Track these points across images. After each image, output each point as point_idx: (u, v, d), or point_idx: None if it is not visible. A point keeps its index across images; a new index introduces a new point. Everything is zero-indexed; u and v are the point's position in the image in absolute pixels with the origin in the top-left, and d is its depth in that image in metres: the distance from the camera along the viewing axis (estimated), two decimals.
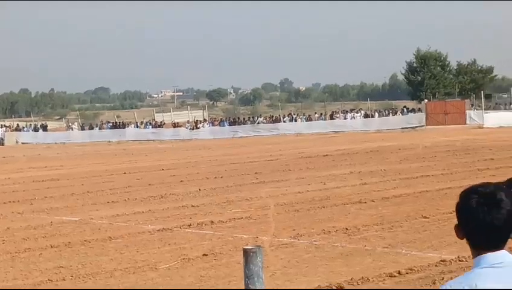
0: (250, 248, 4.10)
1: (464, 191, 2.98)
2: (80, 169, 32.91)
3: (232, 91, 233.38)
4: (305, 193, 20.02)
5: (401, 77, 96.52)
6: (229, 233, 14.35)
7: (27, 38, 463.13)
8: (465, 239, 2.96)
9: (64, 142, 65.39)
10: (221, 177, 25.46)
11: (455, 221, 3.01)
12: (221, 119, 76.39)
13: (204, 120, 72.50)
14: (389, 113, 68.50)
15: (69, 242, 14.05)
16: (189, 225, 15.46)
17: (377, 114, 68.96)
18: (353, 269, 10.97)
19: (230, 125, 68.03)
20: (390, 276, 10.40)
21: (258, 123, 67.78)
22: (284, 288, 10.16)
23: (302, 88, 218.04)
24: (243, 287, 4.17)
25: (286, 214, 16.55)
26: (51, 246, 13.70)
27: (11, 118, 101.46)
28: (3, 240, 14.65)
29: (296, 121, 67.04)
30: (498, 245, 2.90)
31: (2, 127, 73.43)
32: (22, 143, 67.21)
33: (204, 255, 12.35)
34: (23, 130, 75.18)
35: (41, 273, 11.59)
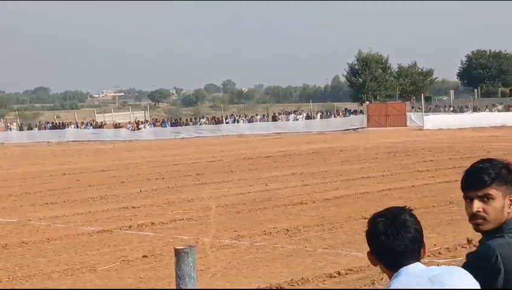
0: (182, 248, 4.09)
1: (371, 217, 3.15)
2: (18, 170, 32.44)
3: (174, 92, 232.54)
4: (246, 194, 20.05)
5: (343, 79, 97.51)
6: (170, 234, 14.29)
7: None
8: (379, 266, 3.12)
9: (2, 143, 64.33)
10: (163, 178, 25.35)
11: None
12: (163, 120, 75.99)
13: (146, 121, 72.06)
14: (330, 115, 69.01)
15: (6, 244, 13.84)
16: (130, 227, 15.35)
17: (319, 116, 69.40)
18: (293, 269, 11.02)
19: (172, 126, 67.75)
20: (330, 277, 10.47)
21: (201, 124, 67.67)
22: (218, 289, 10.16)
23: (245, 89, 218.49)
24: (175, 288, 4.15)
25: (227, 215, 16.55)
26: None
27: None
28: None
29: (238, 122, 67.10)
30: (412, 261, 3.04)
31: None
32: None
33: (144, 256, 12.28)
34: None
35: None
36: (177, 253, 4.08)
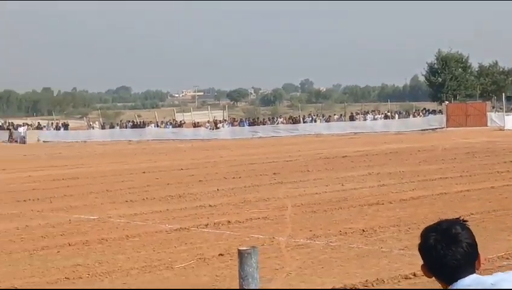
0: (245, 249, 4.10)
1: (423, 231, 3.11)
2: (99, 168, 33.05)
3: (252, 91, 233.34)
4: (322, 193, 20.00)
5: (422, 79, 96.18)
6: (246, 233, 14.36)
7: (50, 38, 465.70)
8: (433, 278, 3.07)
9: (85, 141, 65.66)
10: (240, 177, 25.48)
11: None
12: (240, 119, 76.38)
13: (224, 120, 72.57)
14: (409, 115, 68.24)
15: (87, 240, 14.12)
16: (206, 225, 15.48)
17: (397, 115, 68.70)
18: (368, 270, 10.94)
19: (250, 125, 68.04)
20: (405, 278, 10.37)
21: (278, 124, 67.75)
22: (293, 288, 10.15)
23: (323, 89, 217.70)
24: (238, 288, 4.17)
25: (303, 214, 16.54)
26: (69, 244, 13.77)
27: (33, 116, 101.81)
28: (22, 238, 14.75)
29: (315, 121, 66.93)
30: (466, 274, 2.99)
31: (24, 126, 73.84)
32: (44, 141, 67.56)
33: (220, 254, 12.36)
34: (45, 129, 75.61)
35: (58, 271, 11.65)
36: (240, 254, 4.10)
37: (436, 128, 58.96)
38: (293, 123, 67.10)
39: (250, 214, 16.85)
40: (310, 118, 68.78)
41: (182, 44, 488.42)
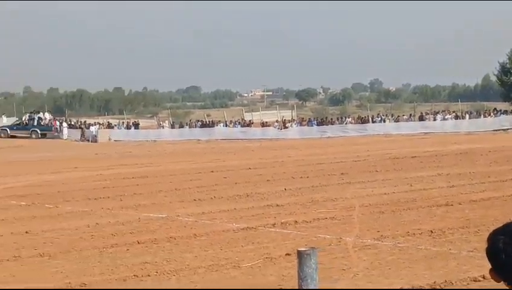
0: (304, 249, 4.08)
1: (490, 234, 3.00)
2: (169, 167, 33.37)
3: (321, 91, 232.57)
4: (391, 194, 19.82)
5: (493, 78, 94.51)
6: (313, 233, 14.33)
7: (121, 39, 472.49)
8: (502, 282, 2.98)
9: (155, 140, 66.35)
10: (307, 177, 25.43)
11: None
12: (309, 119, 76.14)
13: (293, 120, 72.49)
14: (480, 115, 67.10)
15: (155, 238, 14.27)
16: (273, 224, 15.49)
17: (467, 116, 67.63)
18: (437, 272, 10.80)
19: (318, 125, 67.81)
20: (474, 280, 10.20)
21: (346, 123, 67.38)
22: (360, 289, 10.08)
23: (392, 88, 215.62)
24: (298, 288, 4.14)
25: (371, 215, 16.42)
26: (138, 242, 13.94)
27: (105, 115, 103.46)
28: (92, 235, 14.98)
29: (384, 121, 66.36)
30: None
31: (95, 125, 75.02)
32: (115, 140, 68.48)
33: (287, 254, 12.35)
34: (116, 128, 76.65)
35: (127, 269, 11.80)
36: (300, 255, 4.08)
37: (507, 129, 57.84)
38: (362, 123, 66.66)
39: (318, 214, 16.81)
40: (379, 118, 68.21)
41: (251, 44, 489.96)
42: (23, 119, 75.64)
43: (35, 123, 73.66)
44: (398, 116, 70.16)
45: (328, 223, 15.57)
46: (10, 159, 43.26)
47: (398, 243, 13.06)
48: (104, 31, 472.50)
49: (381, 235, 13.75)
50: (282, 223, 15.64)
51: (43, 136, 72.24)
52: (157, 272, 11.52)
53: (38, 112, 78.76)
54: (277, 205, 18.41)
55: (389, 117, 68.65)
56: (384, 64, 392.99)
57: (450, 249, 12.34)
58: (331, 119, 74.10)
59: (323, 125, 67.62)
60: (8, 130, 73.00)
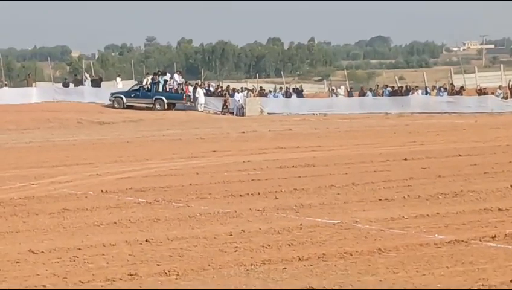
0: None
1: None
2: (343, 152, 33.42)
3: None
4: None
5: None
6: None
7: None
8: None
9: (325, 114, 66.63)
10: None
11: None
12: None
13: None
14: None
15: (324, 254, 14.29)
16: (493, 237, 15.22)
17: None
18: None
19: None
20: None
21: None
22: None
23: None
24: None
25: None
26: (299, 259, 14.00)
27: (256, 78, 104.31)
28: (236, 247, 15.15)
29: None
30: None
31: (243, 91, 75.35)
32: (268, 113, 69.16)
33: None
34: (271, 96, 77.20)
35: None
36: None
37: None
38: None
39: None
40: None
41: None
42: (144, 83, 76.58)
43: (161, 89, 74.62)
44: None
45: None
46: (126, 139, 44.46)
47: None
48: None
49: None
50: (506, 235, 15.35)
51: (171, 106, 73.37)
52: None
53: (165, 73, 79.88)
54: (499, 209, 18.10)
55: None
56: None
57: None
58: None
59: None
60: (123, 97, 74.20)
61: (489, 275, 12.62)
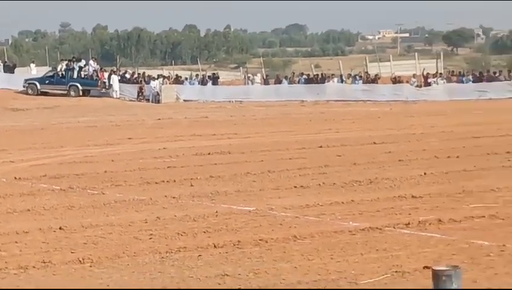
0: (442, 269, 3.99)
1: None
2: (259, 139, 33.50)
3: (480, 33, 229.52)
4: None
5: None
6: (464, 238, 14.20)
7: None
8: None
9: (241, 101, 66.61)
10: (457, 156, 25.21)
11: None
12: (461, 73, 75.17)
13: (439, 74, 71.66)
14: None
15: (239, 241, 14.34)
16: (407, 224, 15.41)
17: None
18: None
19: (475, 82, 66.84)
20: None
21: None
22: None
23: None
24: None
25: None
26: (214, 246, 14.03)
27: (172, 65, 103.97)
28: (151, 235, 15.13)
29: None
30: None
31: (158, 78, 75.07)
32: (184, 100, 68.93)
33: (425, 267, 12.25)
34: (187, 83, 77.01)
35: (198, 283, 11.90)
36: (436, 276, 3.99)
37: None
38: None
39: (472, 210, 16.66)
40: None
41: None
42: (59, 69, 75.94)
43: (75, 75, 74.09)
44: None
45: (487, 223, 15.43)
46: (40, 125, 44.05)
47: None
48: None
49: None
50: (419, 222, 15.54)
51: (86, 93, 72.91)
52: (240, 286, 11.59)
53: (80, 60, 79.33)
54: (412, 197, 18.31)
55: None
56: None
57: None
58: (494, 73, 72.91)
59: (482, 82, 66.62)
60: (38, 84, 73.44)
61: (402, 261, 12.77)
